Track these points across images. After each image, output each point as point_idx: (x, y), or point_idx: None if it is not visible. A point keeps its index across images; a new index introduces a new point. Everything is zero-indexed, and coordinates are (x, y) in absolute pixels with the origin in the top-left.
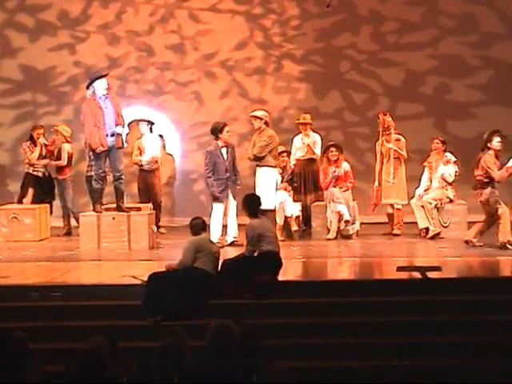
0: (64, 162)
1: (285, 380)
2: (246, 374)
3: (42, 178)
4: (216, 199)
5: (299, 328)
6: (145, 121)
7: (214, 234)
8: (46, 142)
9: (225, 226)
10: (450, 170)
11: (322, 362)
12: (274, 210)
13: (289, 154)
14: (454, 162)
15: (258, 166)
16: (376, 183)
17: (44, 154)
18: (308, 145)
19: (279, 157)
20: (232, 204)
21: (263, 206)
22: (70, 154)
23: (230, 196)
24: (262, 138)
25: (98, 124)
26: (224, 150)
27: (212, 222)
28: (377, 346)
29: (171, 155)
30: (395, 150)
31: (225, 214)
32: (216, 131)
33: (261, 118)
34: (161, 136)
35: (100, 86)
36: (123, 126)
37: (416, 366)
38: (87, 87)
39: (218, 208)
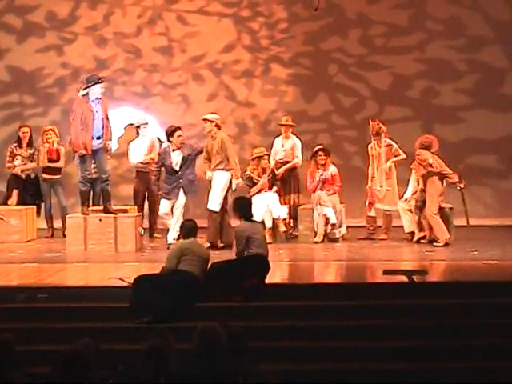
0: (62, 163)
1: (271, 381)
2: (233, 375)
3: (27, 180)
4: (164, 197)
5: (286, 331)
6: (145, 124)
7: (170, 233)
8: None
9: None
10: None
11: (309, 365)
12: (218, 213)
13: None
14: None
15: (213, 169)
16: (369, 184)
17: (28, 156)
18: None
19: (261, 159)
20: (180, 202)
21: (208, 207)
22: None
23: (181, 193)
24: (217, 143)
25: (85, 127)
26: (175, 153)
27: (169, 223)
28: (363, 348)
29: None
30: (393, 156)
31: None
32: (167, 134)
33: (211, 121)
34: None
35: (97, 89)
36: (111, 134)
37: (402, 369)
38: (84, 89)
39: (164, 204)
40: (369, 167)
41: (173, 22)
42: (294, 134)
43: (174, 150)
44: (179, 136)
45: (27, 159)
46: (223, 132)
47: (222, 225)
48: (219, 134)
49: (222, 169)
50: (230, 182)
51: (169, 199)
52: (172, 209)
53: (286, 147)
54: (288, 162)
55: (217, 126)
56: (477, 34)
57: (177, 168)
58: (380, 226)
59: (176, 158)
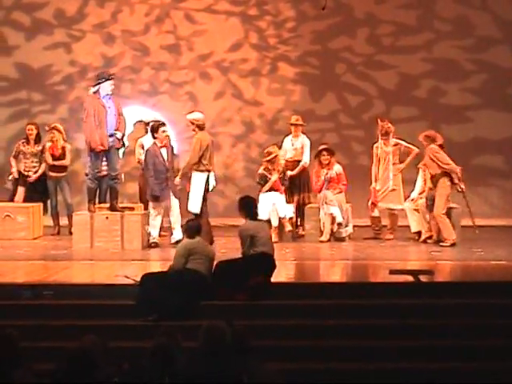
0: (67, 161)
1: (275, 381)
2: (237, 374)
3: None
4: (155, 199)
5: (291, 329)
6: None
7: (153, 233)
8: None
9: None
10: None
11: (314, 364)
12: (199, 215)
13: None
14: None
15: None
16: (373, 184)
17: (36, 153)
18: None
19: (274, 159)
20: (175, 203)
21: (189, 209)
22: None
23: (172, 195)
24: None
25: (99, 123)
26: (164, 151)
27: (151, 222)
28: (368, 348)
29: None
30: (405, 148)
31: (167, 215)
32: (153, 130)
33: (192, 123)
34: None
35: (107, 86)
36: (124, 128)
37: (407, 368)
38: (94, 85)
39: (157, 207)
40: (372, 167)
41: (180, 20)
42: (303, 133)
43: (161, 147)
44: (164, 131)
45: (35, 156)
46: (203, 132)
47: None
48: (197, 135)
49: (198, 169)
50: (207, 182)
51: (159, 202)
52: (165, 211)
53: (296, 146)
54: (298, 161)
55: (198, 126)
56: (484, 34)
57: (167, 164)
58: (385, 226)
59: (165, 155)
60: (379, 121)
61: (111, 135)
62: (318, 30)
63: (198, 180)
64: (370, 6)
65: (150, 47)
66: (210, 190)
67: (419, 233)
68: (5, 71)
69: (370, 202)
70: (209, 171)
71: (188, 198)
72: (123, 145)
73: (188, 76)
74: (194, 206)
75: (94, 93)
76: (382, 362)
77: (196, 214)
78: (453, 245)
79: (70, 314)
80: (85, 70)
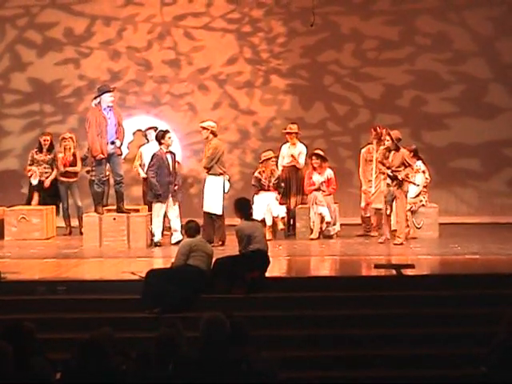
0: (79, 168)
1: (271, 368)
2: (236, 362)
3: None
4: (157, 199)
5: (285, 320)
6: (151, 128)
7: (157, 233)
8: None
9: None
10: (417, 179)
11: (306, 351)
12: (221, 215)
13: (277, 159)
14: (423, 172)
15: (207, 173)
16: (364, 186)
17: (48, 160)
18: (292, 155)
19: (267, 162)
20: (175, 207)
21: (211, 211)
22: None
23: (171, 200)
24: (209, 148)
25: (100, 133)
26: (169, 156)
27: (154, 221)
28: (356, 336)
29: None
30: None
31: (166, 216)
32: (159, 137)
33: (207, 129)
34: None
35: (107, 98)
36: (123, 138)
37: (391, 354)
38: (95, 97)
39: (158, 207)
40: (360, 170)
41: (180, 37)
42: (300, 140)
43: (167, 153)
44: (169, 138)
45: (47, 163)
46: (217, 139)
47: (218, 224)
48: (213, 141)
49: (214, 173)
50: (223, 185)
51: (161, 202)
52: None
53: (294, 153)
54: (294, 167)
55: (212, 132)
56: (462, 47)
57: (171, 169)
58: (372, 224)
59: (170, 161)
60: (379, 128)
61: (112, 143)
62: (307, 45)
63: (215, 183)
64: (356, 23)
65: (152, 62)
66: (226, 191)
67: None
68: (19, 85)
69: (363, 204)
70: (223, 175)
71: (204, 201)
72: (121, 153)
73: (188, 88)
74: (216, 207)
75: (96, 105)
76: (368, 348)
77: (218, 215)
78: (401, 244)
79: (82, 308)
80: (92, 83)
